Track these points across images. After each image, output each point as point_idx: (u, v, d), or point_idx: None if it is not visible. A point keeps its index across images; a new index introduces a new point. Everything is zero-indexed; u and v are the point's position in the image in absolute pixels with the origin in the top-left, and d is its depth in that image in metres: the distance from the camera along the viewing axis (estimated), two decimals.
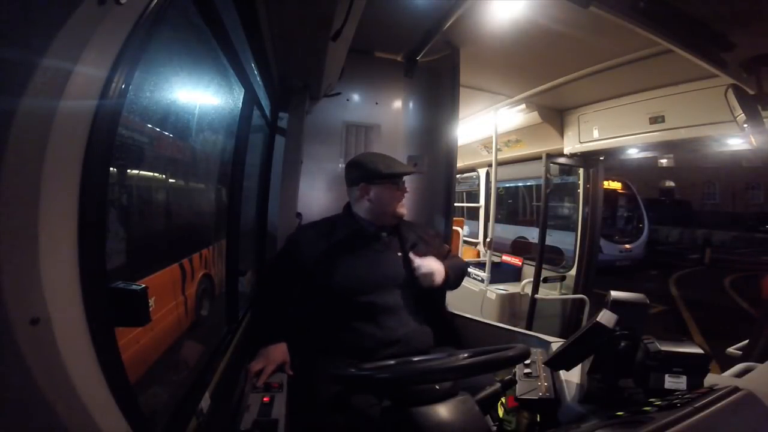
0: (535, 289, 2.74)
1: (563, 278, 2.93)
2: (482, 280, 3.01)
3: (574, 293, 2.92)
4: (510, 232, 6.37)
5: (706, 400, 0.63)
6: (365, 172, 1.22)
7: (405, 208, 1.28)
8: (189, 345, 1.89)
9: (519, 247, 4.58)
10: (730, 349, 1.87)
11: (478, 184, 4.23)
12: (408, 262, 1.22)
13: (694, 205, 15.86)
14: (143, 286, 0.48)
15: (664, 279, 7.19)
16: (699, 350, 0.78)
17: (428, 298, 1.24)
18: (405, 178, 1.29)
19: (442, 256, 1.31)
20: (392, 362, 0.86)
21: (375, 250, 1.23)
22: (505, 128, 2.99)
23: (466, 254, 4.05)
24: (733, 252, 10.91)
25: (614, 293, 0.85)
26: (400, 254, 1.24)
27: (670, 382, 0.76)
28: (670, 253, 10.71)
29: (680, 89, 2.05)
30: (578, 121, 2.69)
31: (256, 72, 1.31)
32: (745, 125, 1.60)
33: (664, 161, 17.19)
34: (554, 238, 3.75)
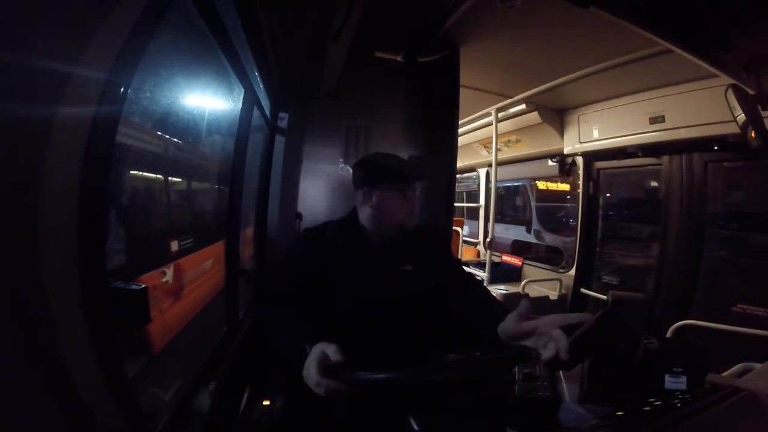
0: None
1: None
2: (482, 281, 3.01)
3: (573, 293, 2.92)
4: (501, 229, 6.36)
5: (706, 400, 0.63)
6: (368, 174, 1.08)
7: (411, 220, 1.09)
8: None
9: (519, 247, 4.60)
10: None
11: (478, 185, 4.23)
12: (419, 276, 1.07)
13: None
14: (143, 286, 0.48)
15: None
16: (699, 350, 0.78)
17: (431, 312, 1.11)
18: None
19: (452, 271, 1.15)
20: (387, 374, 0.81)
21: (379, 263, 1.08)
22: (505, 128, 2.99)
23: (466, 254, 4.05)
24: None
25: (614, 293, 0.85)
26: (409, 267, 1.09)
27: (670, 382, 0.76)
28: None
29: (680, 89, 2.05)
30: (578, 121, 2.69)
31: (256, 72, 1.31)
32: (745, 125, 1.59)
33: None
34: (512, 233, 3.75)
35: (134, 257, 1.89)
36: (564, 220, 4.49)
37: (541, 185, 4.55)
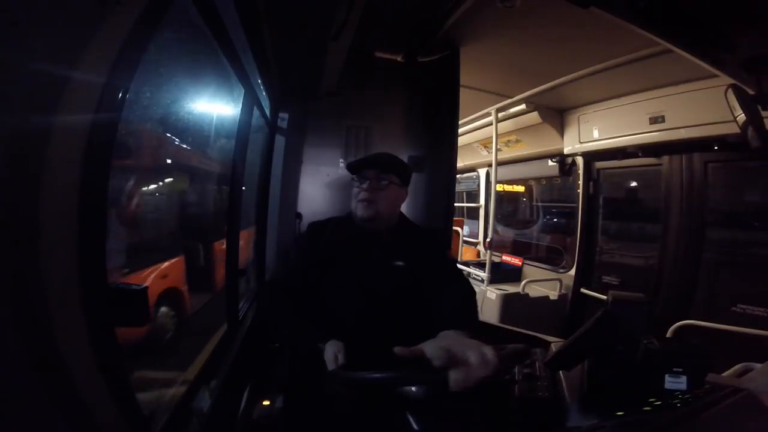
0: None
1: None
2: (482, 281, 3.01)
3: (573, 293, 2.92)
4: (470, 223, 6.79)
5: (706, 400, 0.63)
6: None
7: (367, 209, 1.07)
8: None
9: (519, 247, 4.71)
10: None
11: (478, 185, 4.24)
12: (403, 272, 1.08)
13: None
14: (143, 286, 0.48)
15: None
16: (699, 350, 0.78)
17: (414, 308, 1.10)
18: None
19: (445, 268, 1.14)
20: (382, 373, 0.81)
21: (371, 256, 1.10)
22: (505, 128, 2.99)
23: (466, 254, 4.05)
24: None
25: (614, 293, 0.85)
26: (395, 263, 1.10)
27: (670, 382, 0.76)
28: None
29: (680, 89, 2.05)
30: (578, 121, 2.69)
31: (256, 72, 1.31)
32: (745, 125, 1.59)
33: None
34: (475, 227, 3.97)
35: (216, 233, 3.53)
36: (517, 216, 5.24)
37: (498, 188, 5.17)
